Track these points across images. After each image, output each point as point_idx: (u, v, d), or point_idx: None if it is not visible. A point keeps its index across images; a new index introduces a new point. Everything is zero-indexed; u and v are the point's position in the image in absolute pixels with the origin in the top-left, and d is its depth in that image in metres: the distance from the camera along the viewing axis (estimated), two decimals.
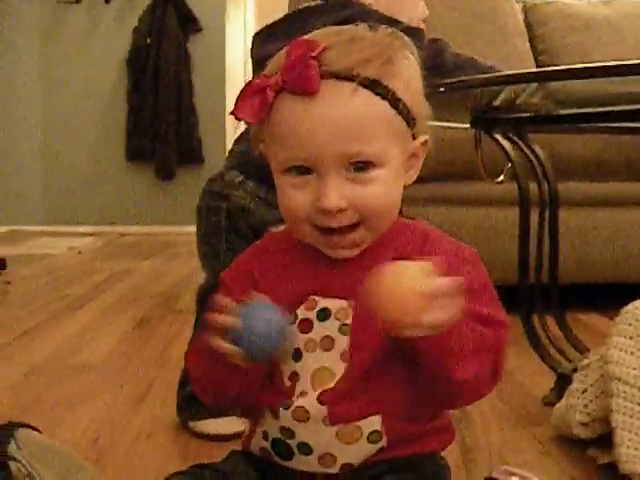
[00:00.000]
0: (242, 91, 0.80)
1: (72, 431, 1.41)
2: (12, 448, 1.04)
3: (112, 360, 1.94)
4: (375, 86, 0.78)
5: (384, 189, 0.80)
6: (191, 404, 1.40)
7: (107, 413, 1.51)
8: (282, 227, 1.39)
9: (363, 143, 0.77)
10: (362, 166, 0.78)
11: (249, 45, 1.49)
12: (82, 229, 5.09)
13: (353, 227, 0.80)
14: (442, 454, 0.87)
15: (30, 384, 1.72)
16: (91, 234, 4.96)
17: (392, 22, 1.32)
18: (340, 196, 0.78)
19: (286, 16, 1.42)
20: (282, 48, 1.24)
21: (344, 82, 0.77)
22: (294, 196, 0.80)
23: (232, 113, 0.80)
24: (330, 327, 0.81)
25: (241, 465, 0.86)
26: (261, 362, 0.78)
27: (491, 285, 0.84)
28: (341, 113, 0.77)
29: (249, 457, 0.87)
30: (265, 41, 1.43)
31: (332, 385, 0.80)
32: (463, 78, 1.39)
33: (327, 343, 0.81)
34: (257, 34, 1.47)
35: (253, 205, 1.35)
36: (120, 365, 1.89)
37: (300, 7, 1.41)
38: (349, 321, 0.81)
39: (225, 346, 0.76)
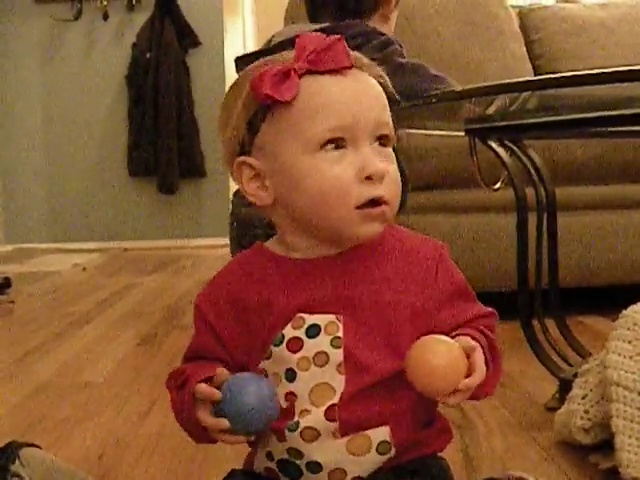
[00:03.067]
0: (259, 76, 0.79)
1: (77, 448, 1.42)
2: (17, 467, 1.05)
3: (116, 376, 1.94)
4: (378, 79, 0.83)
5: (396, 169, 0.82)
6: None
7: (112, 429, 1.52)
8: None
9: (388, 115, 0.82)
10: (384, 142, 0.81)
11: None
12: (86, 245, 5.11)
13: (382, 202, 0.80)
14: (443, 455, 0.87)
15: (35, 402, 1.73)
16: (95, 250, 4.98)
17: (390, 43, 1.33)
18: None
19: (274, 47, 1.42)
20: None
21: (356, 69, 0.82)
22: (333, 170, 0.78)
23: (265, 94, 0.78)
24: (322, 343, 0.80)
25: None
26: (254, 433, 0.79)
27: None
28: (370, 86, 0.82)
29: (251, 476, 0.86)
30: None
31: (336, 400, 0.79)
32: (457, 89, 1.40)
33: (321, 359, 0.80)
34: (240, 59, 1.47)
35: None
36: (125, 381, 1.89)
37: (290, 36, 1.41)
38: (340, 334, 0.80)
39: (213, 421, 0.78)
